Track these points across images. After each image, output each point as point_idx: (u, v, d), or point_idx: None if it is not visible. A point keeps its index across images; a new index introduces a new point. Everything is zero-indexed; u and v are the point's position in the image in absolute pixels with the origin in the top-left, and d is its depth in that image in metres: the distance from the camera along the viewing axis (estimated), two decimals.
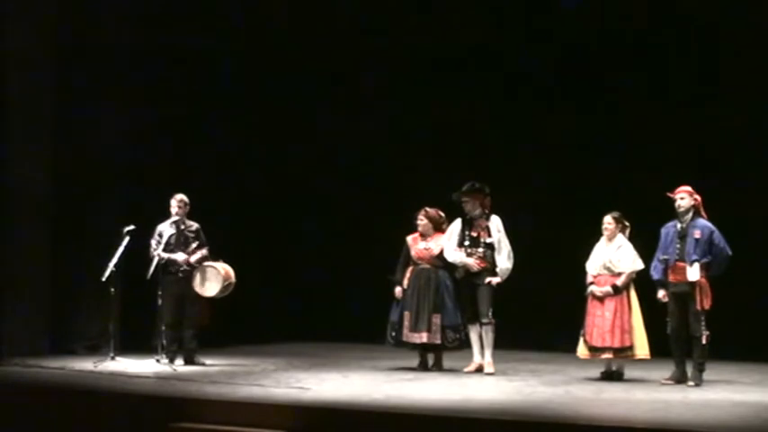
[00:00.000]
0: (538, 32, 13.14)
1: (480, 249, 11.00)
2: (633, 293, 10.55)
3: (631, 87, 12.74)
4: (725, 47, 12.36)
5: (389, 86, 13.92)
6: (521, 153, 13.27)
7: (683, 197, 10.24)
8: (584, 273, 10.69)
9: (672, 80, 12.61)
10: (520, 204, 12.15)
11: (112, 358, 11.41)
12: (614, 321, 10.43)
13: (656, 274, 10.33)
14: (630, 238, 10.64)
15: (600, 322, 10.49)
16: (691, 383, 10.08)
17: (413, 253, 11.28)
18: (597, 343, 10.48)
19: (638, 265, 10.53)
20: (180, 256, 11.47)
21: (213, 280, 11.42)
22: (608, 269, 10.57)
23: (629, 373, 10.63)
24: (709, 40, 12.41)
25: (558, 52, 13.09)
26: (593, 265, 10.65)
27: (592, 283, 10.61)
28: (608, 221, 10.65)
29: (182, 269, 11.48)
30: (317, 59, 14.13)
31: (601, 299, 10.53)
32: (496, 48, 13.30)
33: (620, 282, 10.49)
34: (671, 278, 10.24)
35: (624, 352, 10.45)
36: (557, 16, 13.08)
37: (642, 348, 10.45)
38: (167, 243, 11.46)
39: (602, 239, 10.68)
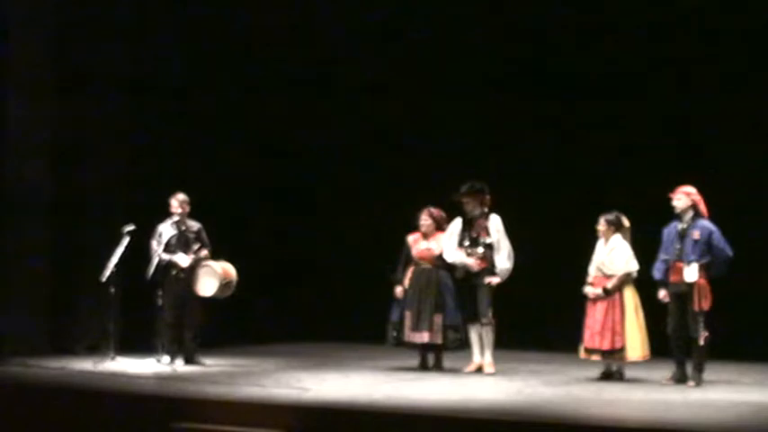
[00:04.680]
0: (538, 32, 13.13)
1: (480, 249, 10.99)
2: (629, 295, 10.53)
3: (633, 86, 12.74)
4: (726, 45, 12.36)
5: (389, 85, 13.90)
6: (521, 153, 13.26)
7: (680, 198, 10.27)
8: (584, 273, 10.70)
9: (673, 79, 12.60)
10: (520, 204, 12.14)
11: (112, 358, 11.41)
12: (604, 323, 10.43)
13: (657, 273, 10.35)
14: (633, 239, 10.63)
15: (592, 324, 10.50)
16: (691, 384, 10.09)
17: (414, 253, 11.28)
18: (589, 344, 10.51)
19: (632, 266, 10.52)
20: (180, 258, 11.46)
21: (211, 279, 11.41)
22: (601, 271, 10.58)
23: (629, 373, 10.63)
24: (710, 39, 12.40)
25: (559, 52, 13.09)
26: (592, 267, 10.66)
27: (590, 285, 10.62)
28: (600, 223, 10.66)
29: (182, 270, 11.47)
30: (315, 60, 14.14)
31: (594, 300, 10.53)
32: (496, 47, 13.30)
33: (610, 284, 10.50)
34: (671, 278, 10.25)
35: (614, 354, 10.45)
36: (557, 15, 13.07)
37: (634, 350, 10.42)
38: (168, 244, 11.45)
39: (601, 240, 10.69)
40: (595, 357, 10.54)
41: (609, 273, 10.53)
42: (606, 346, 10.42)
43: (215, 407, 9.03)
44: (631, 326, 10.45)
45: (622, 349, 10.42)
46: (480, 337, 11.01)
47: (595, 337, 10.45)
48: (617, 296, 10.50)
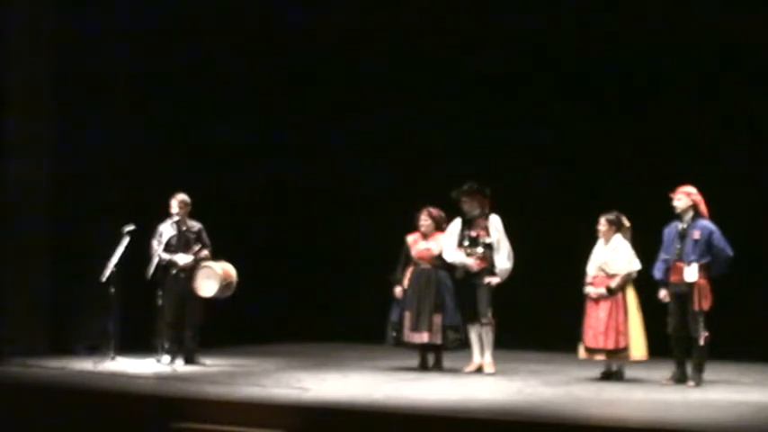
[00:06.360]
0: (536, 32, 13.13)
1: (479, 249, 10.99)
2: (631, 294, 10.54)
3: (633, 86, 12.73)
4: (725, 45, 12.35)
5: (389, 85, 13.89)
6: (521, 152, 13.24)
7: (680, 198, 10.28)
8: (584, 272, 10.69)
9: (672, 79, 12.60)
10: (520, 204, 12.14)
11: (112, 358, 11.41)
12: (608, 323, 10.43)
13: (658, 273, 10.35)
14: (634, 239, 10.63)
15: (594, 323, 10.49)
16: (691, 384, 10.09)
17: (413, 253, 11.27)
18: (592, 344, 10.51)
19: (635, 266, 10.52)
20: (181, 258, 11.46)
21: (211, 280, 11.40)
22: (603, 270, 10.58)
23: (629, 373, 10.63)
24: (708, 37, 12.40)
25: (556, 52, 13.09)
26: (591, 266, 10.66)
27: (590, 284, 10.62)
28: (601, 223, 10.66)
29: (182, 270, 11.47)
30: (315, 61, 14.13)
31: (596, 300, 10.53)
32: (495, 47, 13.30)
33: (613, 283, 10.49)
34: (671, 278, 10.26)
35: (619, 353, 10.45)
36: (556, 15, 13.06)
37: (638, 350, 10.44)
38: (168, 244, 11.45)
39: (600, 240, 10.69)
40: (598, 357, 10.53)
41: (612, 272, 10.52)
42: (611, 345, 10.41)
43: (215, 407, 9.03)
44: (634, 325, 10.46)
45: (626, 349, 10.42)
46: (480, 337, 11.01)
47: (599, 337, 10.44)
48: (620, 296, 10.49)
